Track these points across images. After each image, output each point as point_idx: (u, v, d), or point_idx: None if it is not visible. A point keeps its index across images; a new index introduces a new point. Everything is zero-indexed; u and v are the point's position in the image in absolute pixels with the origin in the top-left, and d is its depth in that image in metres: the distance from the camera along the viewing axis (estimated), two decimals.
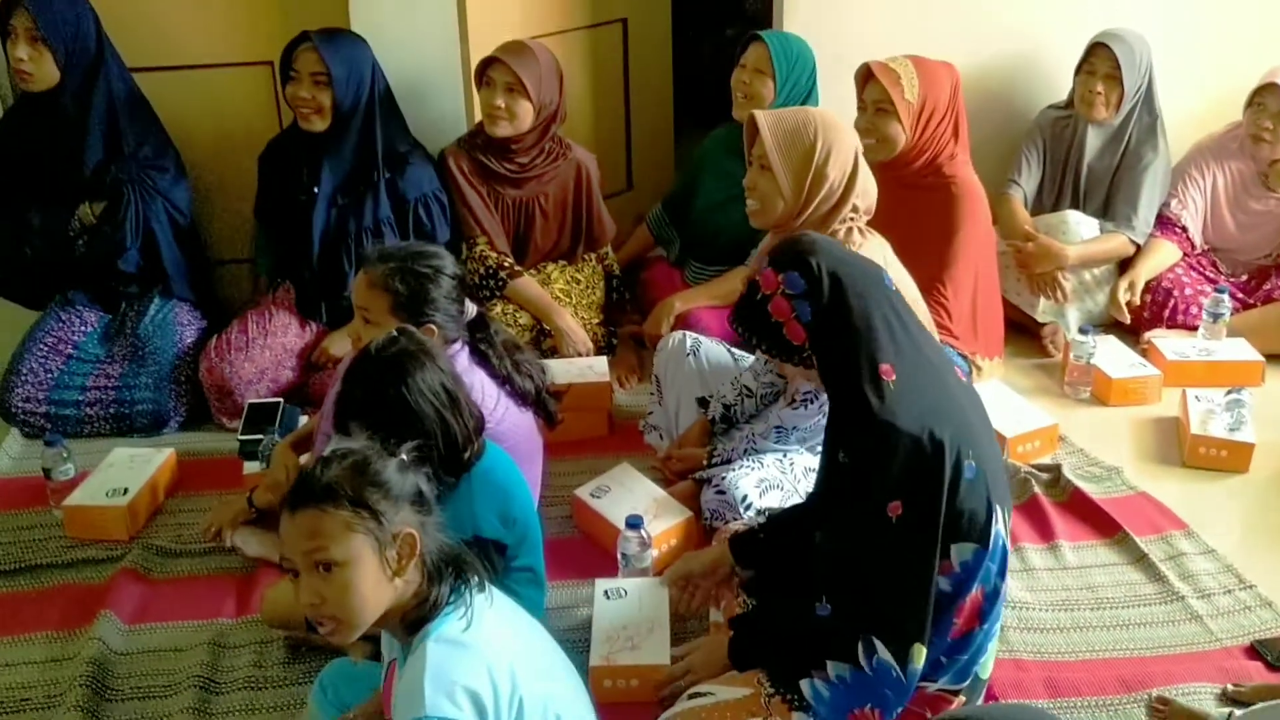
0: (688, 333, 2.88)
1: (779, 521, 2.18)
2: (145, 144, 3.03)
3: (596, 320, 3.28)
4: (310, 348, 3.08)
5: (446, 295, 2.29)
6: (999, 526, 1.83)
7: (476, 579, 1.55)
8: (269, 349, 3.00)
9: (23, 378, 2.92)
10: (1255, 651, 2.17)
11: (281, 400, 2.89)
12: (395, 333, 1.97)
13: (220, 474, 2.76)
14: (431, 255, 2.33)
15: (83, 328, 3.04)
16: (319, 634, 2.08)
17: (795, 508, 2.20)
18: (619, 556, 2.30)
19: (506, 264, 3.13)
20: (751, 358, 2.76)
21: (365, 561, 1.44)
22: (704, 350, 2.82)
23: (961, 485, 1.77)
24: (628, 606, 2.18)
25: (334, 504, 1.43)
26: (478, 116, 3.23)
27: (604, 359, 3.05)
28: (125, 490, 2.56)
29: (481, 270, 3.11)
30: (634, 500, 2.48)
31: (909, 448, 1.73)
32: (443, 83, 3.30)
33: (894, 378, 1.77)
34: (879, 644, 1.78)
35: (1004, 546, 1.87)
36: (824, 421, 2.43)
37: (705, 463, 2.57)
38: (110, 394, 2.94)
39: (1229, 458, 2.76)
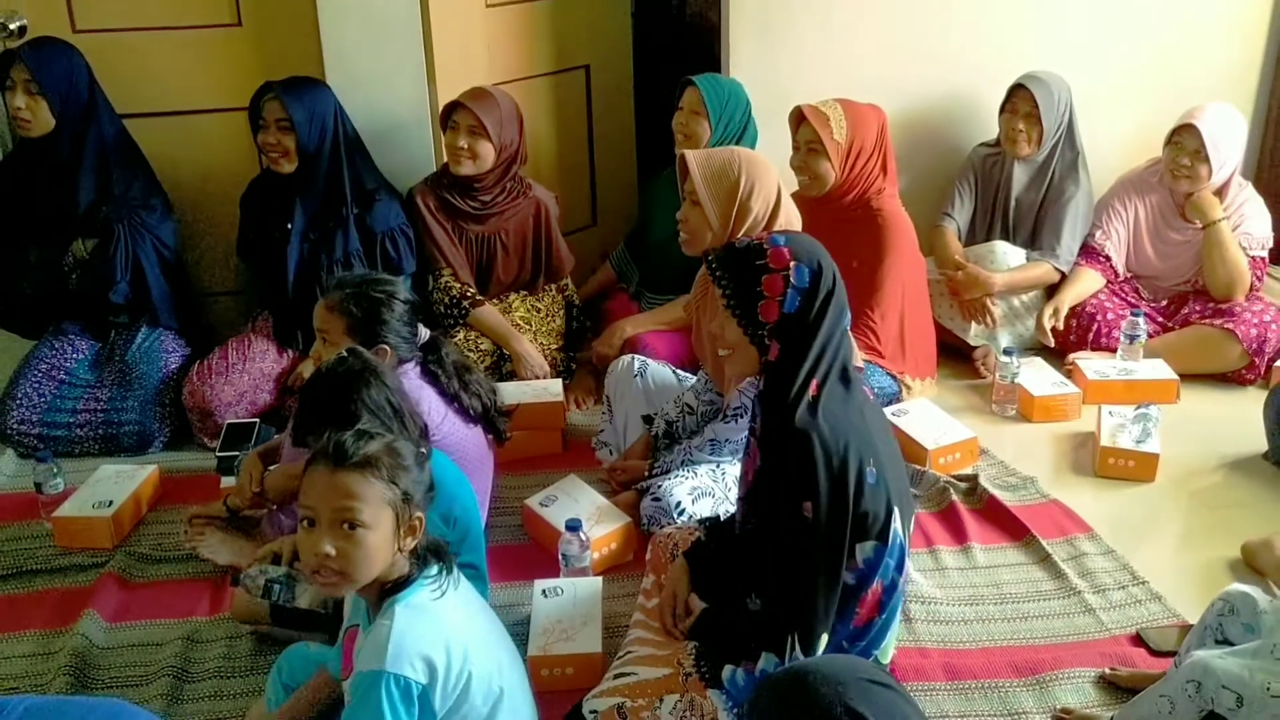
0: (636, 355, 3.10)
1: (720, 527, 2.39)
2: (134, 185, 3.26)
3: (556, 346, 3.49)
4: (287, 373, 3.29)
5: (399, 319, 2.51)
6: (897, 525, 2.04)
7: (447, 564, 1.76)
8: (247, 374, 3.21)
9: (18, 401, 3.13)
10: (1139, 640, 2.37)
11: (258, 420, 3.11)
12: (345, 353, 2.19)
13: (200, 489, 2.96)
14: (385, 283, 2.56)
15: (74, 355, 3.26)
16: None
17: (731, 515, 2.41)
18: (560, 557, 2.50)
19: (469, 293, 3.35)
20: (693, 379, 2.98)
21: (384, 531, 1.66)
22: (650, 372, 3.04)
23: (865, 490, 1.97)
24: (564, 603, 2.39)
25: (375, 474, 1.65)
26: (445, 158, 3.47)
27: (559, 382, 3.26)
28: (110, 503, 2.77)
29: (446, 299, 3.33)
30: (579, 508, 2.68)
31: (820, 455, 1.94)
32: (412, 126, 3.53)
33: (816, 393, 1.98)
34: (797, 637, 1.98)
35: (902, 544, 2.07)
36: None
37: (646, 474, 2.78)
38: (99, 416, 3.16)
39: (1136, 467, 2.96)
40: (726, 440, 2.68)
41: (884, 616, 2.08)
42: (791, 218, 2.69)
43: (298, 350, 3.33)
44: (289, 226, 3.25)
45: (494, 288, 3.47)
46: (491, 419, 2.68)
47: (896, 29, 3.72)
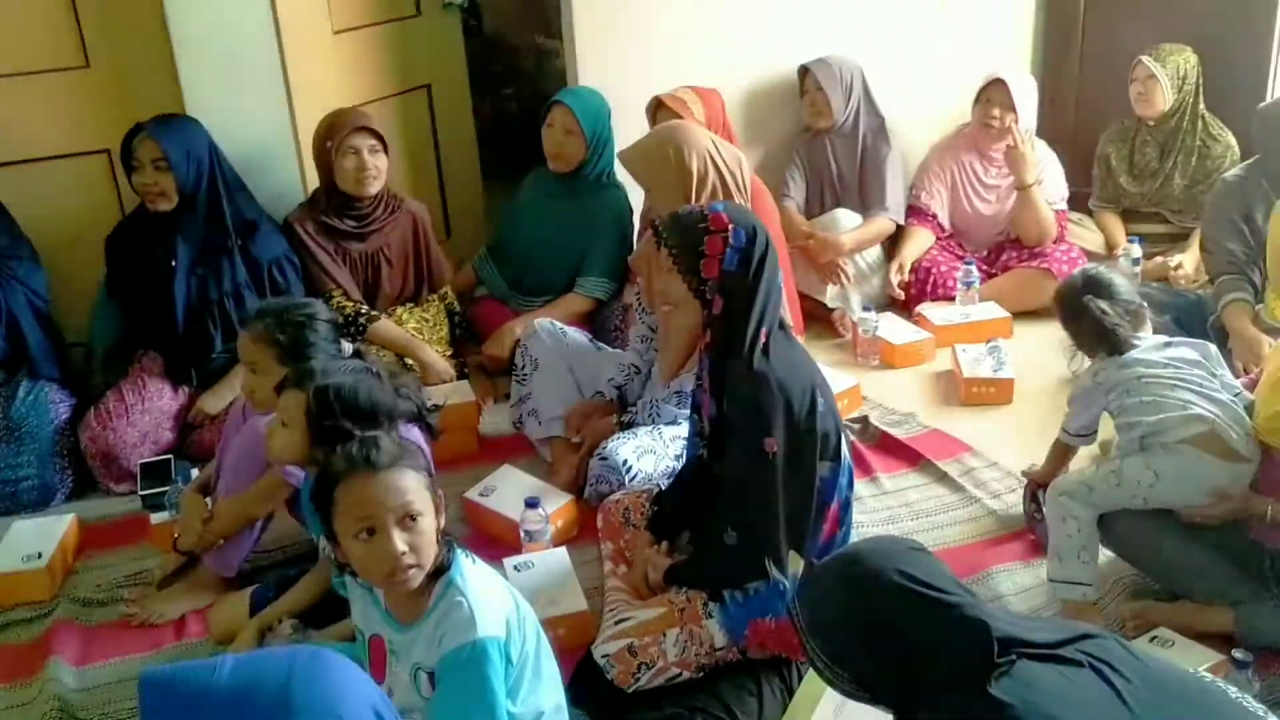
0: (554, 323, 3.25)
1: (666, 495, 2.59)
2: None
3: (447, 354, 3.59)
4: (185, 409, 3.26)
5: (324, 338, 2.58)
6: (845, 448, 2.30)
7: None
8: (147, 413, 3.17)
9: None
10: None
11: (171, 456, 3.08)
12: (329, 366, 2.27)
13: (124, 532, 2.93)
14: (304, 305, 2.64)
15: None
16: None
17: (675, 478, 2.62)
18: (522, 534, 2.64)
19: (363, 310, 3.42)
20: (607, 348, 3.18)
21: (431, 514, 1.78)
22: (569, 335, 3.22)
23: (818, 416, 2.22)
24: (538, 574, 2.53)
25: (408, 464, 1.76)
26: (312, 184, 3.53)
27: (465, 383, 3.38)
28: (39, 554, 2.70)
29: (341, 319, 3.35)
30: (520, 493, 2.80)
31: (779, 394, 2.18)
32: (278, 156, 3.56)
33: (766, 340, 2.21)
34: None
35: (849, 464, 2.34)
36: None
37: (617, 423, 2.94)
38: None
39: (996, 393, 3.36)
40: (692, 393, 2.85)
41: (843, 530, 2.34)
42: (736, 154, 2.91)
43: (192, 387, 3.30)
44: (173, 264, 3.23)
45: (382, 303, 3.54)
46: (424, 417, 2.77)
47: (725, 24, 3.99)
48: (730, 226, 2.22)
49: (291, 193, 3.59)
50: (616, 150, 3.23)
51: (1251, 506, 2.25)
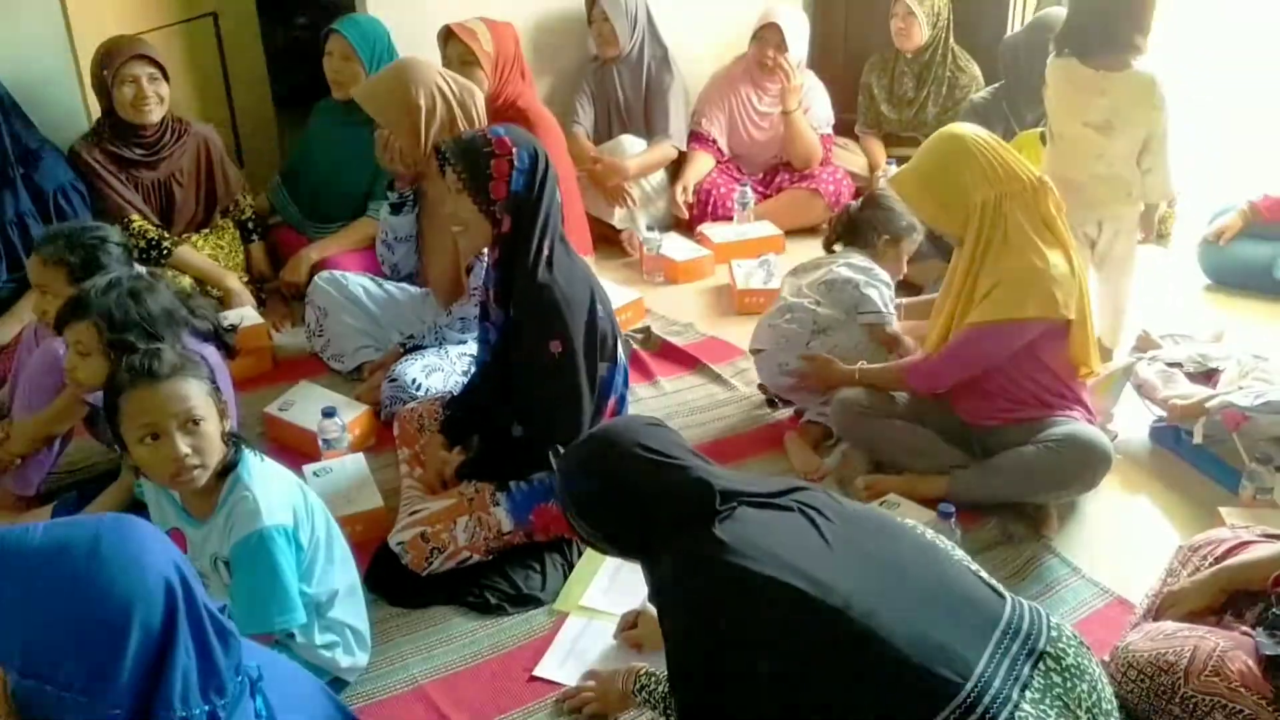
0: (334, 271, 3.36)
1: (459, 400, 2.76)
2: None
3: (246, 280, 3.65)
4: None
5: (116, 260, 2.63)
6: (620, 350, 2.53)
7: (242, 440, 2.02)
8: None
9: None
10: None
11: None
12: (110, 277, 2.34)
13: None
14: (94, 227, 2.68)
15: None
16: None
17: (466, 384, 2.79)
18: (320, 442, 2.78)
19: (166, 236, 3.44)
20: (401, 286, 3.32)
21: (214, 418, 1.90)
22: (351, 281, 3.32)
23: (598, 321, 2.43)
24: (337, 477, 2.68)
25: (190, 373, 1.88)
26: (95, 113, 3.50)
27: (250, 306, 3.48)
28: None
29: (144, 243, 3.37)
30: (318, 406, 2.93)
31: (562, 301, 2.37)
32: (58, 83, 3.52)
33: (550, 254, 2.40)
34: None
35: (624, 365, 2.57)
36: None
37: (402, 349, 3.11)
38: None
39: (766, 302, 3.62)
40: (474, 318, 2.97)
41: None
42: (469, 86, 3.02)
43: None
44: None
45: (177, 228, 3.56)
46: (220, 335, 2.86)
47: None
48: (514, 150, 2.38)
49: (74, 121, 3.55)
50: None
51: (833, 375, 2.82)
